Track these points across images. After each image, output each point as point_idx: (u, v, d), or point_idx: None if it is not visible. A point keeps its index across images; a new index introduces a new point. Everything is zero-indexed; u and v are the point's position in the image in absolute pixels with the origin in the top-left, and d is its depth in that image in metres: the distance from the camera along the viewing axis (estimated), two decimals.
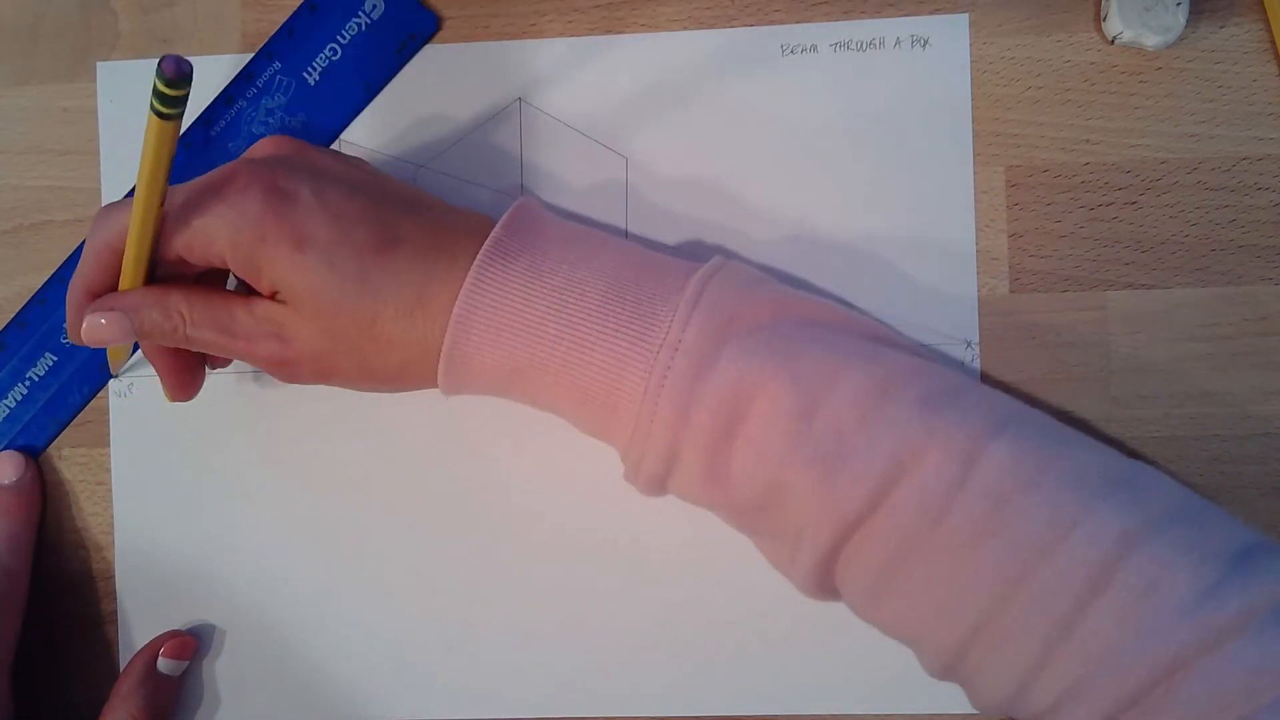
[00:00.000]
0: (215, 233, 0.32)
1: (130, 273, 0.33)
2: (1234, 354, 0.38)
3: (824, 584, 0.33)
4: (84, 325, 0.34)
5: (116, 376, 0.41)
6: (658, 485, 0.34)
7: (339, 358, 0.34)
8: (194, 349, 0.35)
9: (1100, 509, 0.29)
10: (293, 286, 0.33)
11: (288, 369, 0.35)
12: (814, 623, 0.39)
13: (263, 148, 0.36)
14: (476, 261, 0.33)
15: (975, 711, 0.38)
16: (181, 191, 0.33)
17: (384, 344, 0.33)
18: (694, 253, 0.39)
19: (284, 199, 0.32)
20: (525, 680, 0.40)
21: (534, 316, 0.33)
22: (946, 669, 0.32)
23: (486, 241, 0.33)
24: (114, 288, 0.34)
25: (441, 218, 0.35)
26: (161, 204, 0.32)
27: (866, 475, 0.31)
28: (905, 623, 0.33)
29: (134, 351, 0.41)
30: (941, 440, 0.30)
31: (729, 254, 0.39)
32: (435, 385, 0.35)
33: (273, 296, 0.34)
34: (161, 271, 0.34)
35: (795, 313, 0.34)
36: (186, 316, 0.34)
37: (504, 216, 0.34)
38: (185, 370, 0.37)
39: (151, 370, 0.41)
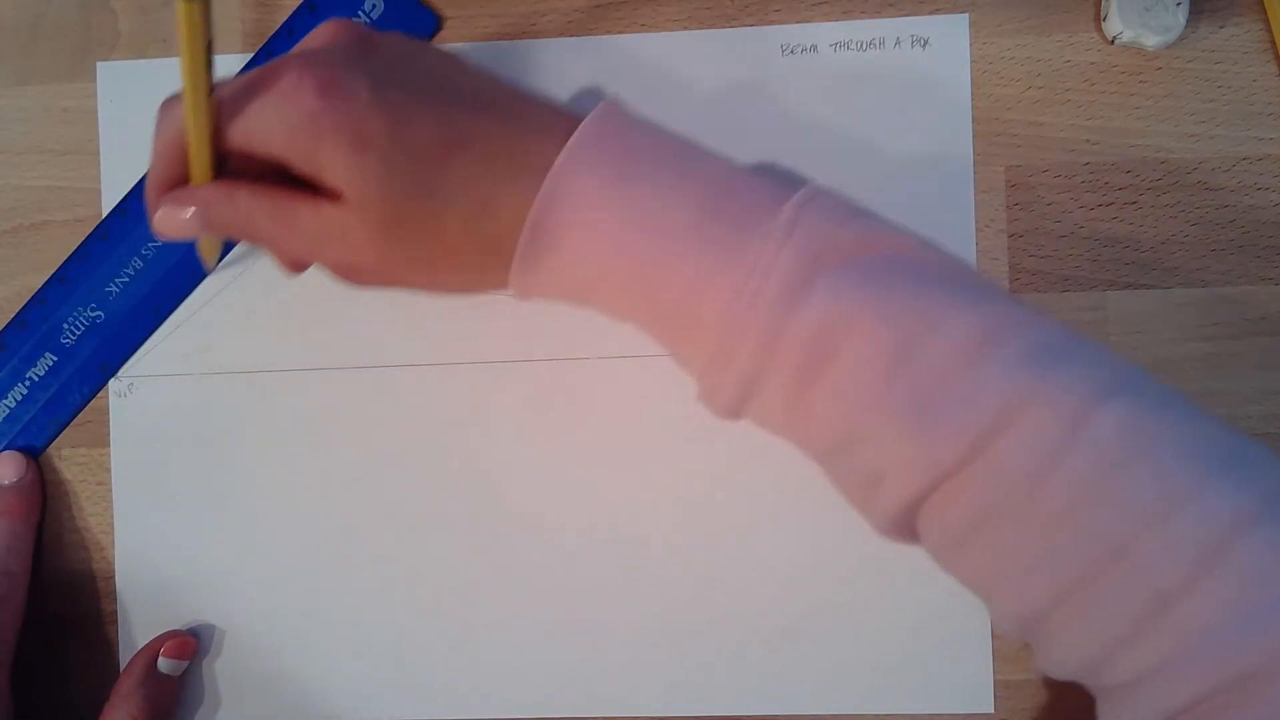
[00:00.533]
0: (270, 129, 0.31)
1: (196, 166, 0.32)
2: (1234, 354, 0.38)
3: (904, 529, 0.32)
4: (155, 218, 0.32)
5: (210, 272, 0.40)
6: (733, 412, 0.33)
7: (403, 262, 0.33)
8: (262, 246, 0.33)
9: (1217, 486, 0.28)
10: (353, 188, 0.31)
11: (352, 273, 0.34)
12: (814, 623, 0.39)
13: (321, 35, 0.33)
14: (555, 167, 0.31)
15: (977, 711, 0.38)
16: (236, 85, 0.31)
17: (449, 249, 0.32)
18: None
19: (341, 96, 0.30)
20: (525, 680, 0.40)
21: (616, 227, 0.31)
22: (1023, 629, 0.31)
23: (567, 145, 0.32)
24: (185, 181, 0.33)
25: (519, 115, 0.33)
26: (210, 91, 0.30)
27: (966, 426, 0.29)
28: (986, 577, 0.31)
29: (228, 248, 0.40)
30: (1049, 397, 0.29)
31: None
32: (506, 290, 0.34)
33: (339, 198, 0.32)
34: (232, 165, 0.33)
35: (891, 248, 0.32)
36: (253, 213, 0.32)
37: (587, 119, 0.32)
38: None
39: (151, 371, 0.41)
